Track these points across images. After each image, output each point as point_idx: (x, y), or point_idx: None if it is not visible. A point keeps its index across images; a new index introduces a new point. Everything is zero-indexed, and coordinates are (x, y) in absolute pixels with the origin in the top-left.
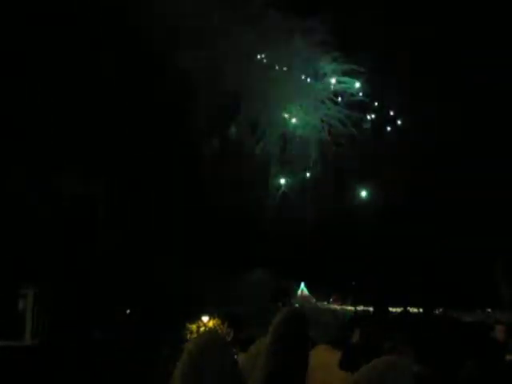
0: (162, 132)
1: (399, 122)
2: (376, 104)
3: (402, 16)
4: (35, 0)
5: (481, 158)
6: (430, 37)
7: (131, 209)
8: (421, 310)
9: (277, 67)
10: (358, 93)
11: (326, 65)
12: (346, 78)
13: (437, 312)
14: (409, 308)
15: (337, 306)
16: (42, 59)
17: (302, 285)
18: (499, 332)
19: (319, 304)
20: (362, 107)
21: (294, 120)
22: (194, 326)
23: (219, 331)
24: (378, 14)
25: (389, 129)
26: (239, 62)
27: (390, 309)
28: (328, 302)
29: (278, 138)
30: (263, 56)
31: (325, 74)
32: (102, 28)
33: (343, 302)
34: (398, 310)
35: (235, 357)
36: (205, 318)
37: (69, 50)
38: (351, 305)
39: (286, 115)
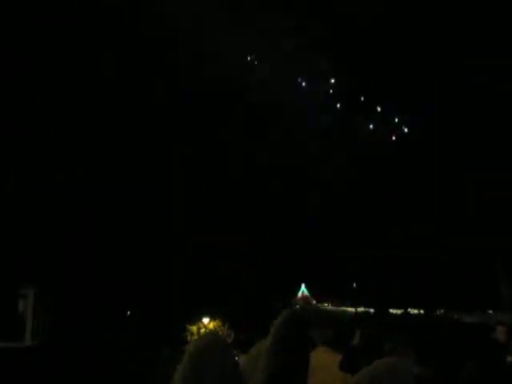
0: (162, 131)
1: (399, 122)
2: (378, 107)
3: (402, 16)
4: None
5: (481, 158)
6: (430, 36)
7: (131, 209)
8: (421, 311)
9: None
10: (356, 93)
11: (324, 65)
12: (344, 78)
13: (438, 313)
14: (409, 309)
15: (337, 308)
16: (42, 59)
17: (303, 286)
18: (500, 333)
19: (319, 305)
20: (362, 108)
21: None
22: (194, 328)
23: (220, 333)
24: (378, 15)
25: (389, 129)
26: (237, 61)
27: (391, 310)
28: (328, 304)
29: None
30: (260, 55)
31: (323, 74)
32: (102, 28)
33: (341, 305)
34: (399, 311)
35: (236, 358)
36: (205, 320)
37: (68, 50)
38: (351, 306)
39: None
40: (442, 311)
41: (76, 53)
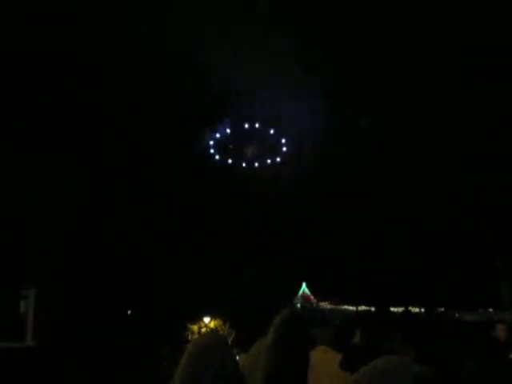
0: (157, 128)
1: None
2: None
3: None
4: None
5: (481, 157)
6: (428, 35)
7: (131, 209)
8: (422, 309)
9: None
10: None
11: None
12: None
13: (438, 311)
14: (410, 308)
15: (337, 306)
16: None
17: (304, 285)
18: (500, 331)
19: (320, 304)
20: (358, 104)
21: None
22: (195, 327)
23: (221, 332)
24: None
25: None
26: (232, 58)
27: (392, 308)
28: (327, 303)
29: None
30: (254, 51)
31: (317, 69)
32: (100, 28)
33: (341, 304)
34: (400, 309)
35: (236, 357)
36: (206, 319)
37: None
38: (352, 305)
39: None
40: (442, 310)
41: (75, 53)
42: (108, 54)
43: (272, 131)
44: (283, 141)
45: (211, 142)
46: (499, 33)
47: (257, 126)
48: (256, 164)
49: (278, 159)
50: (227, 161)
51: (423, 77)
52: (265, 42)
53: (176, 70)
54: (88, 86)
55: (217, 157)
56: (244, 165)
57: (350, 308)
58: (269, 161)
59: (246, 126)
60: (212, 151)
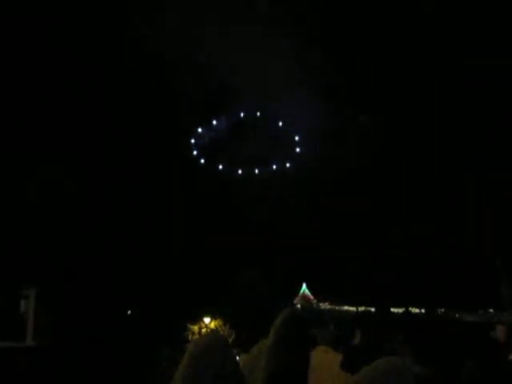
0: (157, 128)
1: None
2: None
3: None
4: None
5: (481, 157)
6: (427, 35)
7: (131, 209)
8: (422, 310)
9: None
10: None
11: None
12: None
13: (438, 312)
14: (410, 308)
15: (338, 307)
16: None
17: (304, 285)
18: (500, 332)
19: (320, 304)
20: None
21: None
22: (195, 327)
23: (221, 332)
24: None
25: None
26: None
27: (392, 309)
28: (327, 303)
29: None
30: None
31: (316, 67)
32: (100, 28)
33: (341, 304)
34: (400, 310)
35: (237, 358)
36: (206, 319)
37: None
38: (352, 305)
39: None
40: (442, 310)
41: (73, 52)
42: (108, 54)
43: (281, 123)
44: (296, 138)
45: (192, 141)
46: (499, 32)
47: (258, 115)
48: (256, 171)
49: (288, 165)
50: (215, 165)
51: (423, 76)
52: (265, 42)
53: (176, 69)
54: (88, 86)
55: (202, 161)
56: (240, 171)
57: (350, 308)
58: (274, 166)
59: (242, 114)
60: (195, 153)
